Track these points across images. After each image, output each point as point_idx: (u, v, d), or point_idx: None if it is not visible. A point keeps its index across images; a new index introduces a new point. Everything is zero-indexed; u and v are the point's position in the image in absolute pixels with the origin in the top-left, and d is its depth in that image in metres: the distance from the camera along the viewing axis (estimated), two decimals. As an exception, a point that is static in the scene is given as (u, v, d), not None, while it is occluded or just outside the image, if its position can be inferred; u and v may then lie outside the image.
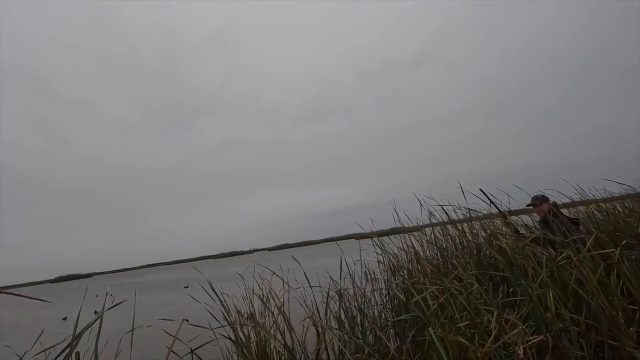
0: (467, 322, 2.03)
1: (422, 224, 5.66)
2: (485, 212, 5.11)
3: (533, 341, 1.88)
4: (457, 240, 4.84)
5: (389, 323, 3.73)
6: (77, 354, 1.64)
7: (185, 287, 20.00)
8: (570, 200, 6.31)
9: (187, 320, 2.01)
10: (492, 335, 1.82)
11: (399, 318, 3.38)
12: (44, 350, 1.79)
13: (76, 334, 1.62)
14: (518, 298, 2.56)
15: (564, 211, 5.42)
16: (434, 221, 5.53)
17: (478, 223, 5.24)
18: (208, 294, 3.41)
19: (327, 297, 3.51)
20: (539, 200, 4.25)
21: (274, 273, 3.87)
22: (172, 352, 1.73)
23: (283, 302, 3.57)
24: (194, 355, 2.46)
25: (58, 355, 1.65)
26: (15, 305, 24.56)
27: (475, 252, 4.51)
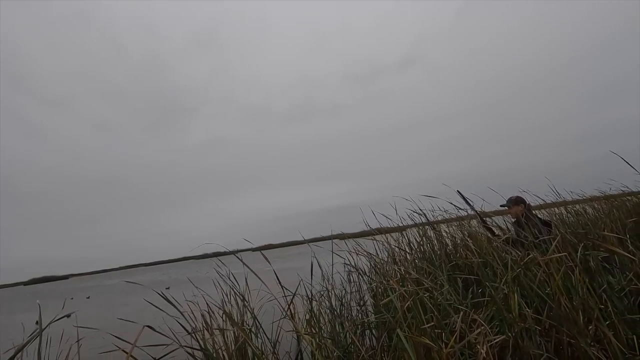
0: (433, 323, 2.08)
1: (404, 224, 5.75)
2: (465, 214, 5.23)
3: (495, 341, 1.95)
4: (434, 241, 4.93)
5: (366, 324, 3.77)
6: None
7: (167, 289, 19.62)
8: (543, 202, 6.56)
9: (151, 327, 1.97)
10: (455, 335, 1.87)
11: (371, 319, 3.42)
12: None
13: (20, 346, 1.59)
14: (485, 299, 2.63)
15: (538, 213, 5.61)
16: (414, 222, 5.63)
17: (456, 224, 5.35)
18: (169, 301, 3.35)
19: (311, 299, 3.50)
20: (513, 202, 4.38)
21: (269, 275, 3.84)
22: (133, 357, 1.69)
23: (261, 306, 3.56)
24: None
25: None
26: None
27: (450, 253, 4.61)
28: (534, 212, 4.40)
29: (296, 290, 3.12)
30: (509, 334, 2.17)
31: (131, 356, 1.65)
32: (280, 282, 3.38)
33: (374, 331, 3.76)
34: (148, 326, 1.98)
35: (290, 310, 2.92)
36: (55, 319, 1.94)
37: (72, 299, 20.94)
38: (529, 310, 2.31)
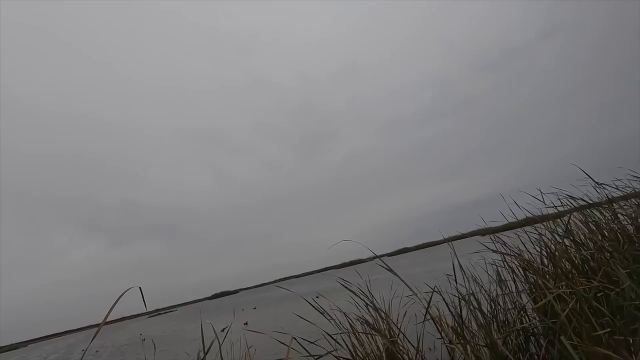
0: (609, 329, 1.68)
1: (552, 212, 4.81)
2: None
3: None
4: (604, 227, 3.98)
5: (527, 330, 3.30)
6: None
7: (317, 297, 21.33)
8: None
9: (295, 339, 2.21)
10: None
11: (535, 325, 2.97)
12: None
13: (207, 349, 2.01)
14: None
15: None
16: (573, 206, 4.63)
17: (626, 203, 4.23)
18: (315, 308, 3.63)
19: (460, 303, 3.31)
20: None
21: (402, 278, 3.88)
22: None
23: (405, 311, 3.54)
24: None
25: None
26: (192, 321, 30.24)
27: (631, 240, 3.62)
28: None
29: (433, 291, 3.00)
30: None
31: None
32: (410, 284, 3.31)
33: (540, 339, 3.27)
34: (295, 337, 2.23)
35: (430, 314, 2.82)
36: (227, 327, 2.38)
37: (242, 309, 24.80)
38: None
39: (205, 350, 2.02)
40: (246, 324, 15.02)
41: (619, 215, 4.06)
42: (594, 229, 3.97)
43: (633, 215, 3.99)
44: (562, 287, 2.10)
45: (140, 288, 2.03)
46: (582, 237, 4.01)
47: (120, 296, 1.77)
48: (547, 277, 3.00)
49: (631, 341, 1.70)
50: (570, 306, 1.81)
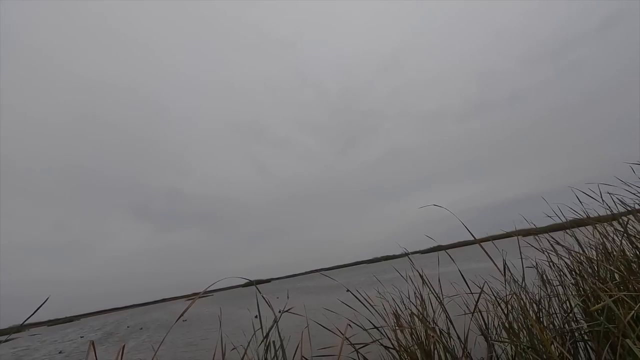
0: None
1: (608, 213, 4.50)
2: None
3: None
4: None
5: (576, 334, 3.17)
6: (272, 342, 2.13)
7: (347, 291, 21.54)
8: None
9: (350, 324, 2.28)
10: None
11: (584, 328, 2.85)
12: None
13: (267, 331, 2.13)
14: None
15: None
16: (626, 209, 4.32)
17: None
18: (366, 299, 3.68)
19: (506, 302, 3.24)
20: None
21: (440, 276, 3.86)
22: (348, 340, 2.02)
23: (441, 307, 3.52)
24: (358, 353, 2.73)
25: (260, 343, 2.19)
26: (225, 305, 31.66)
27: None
28: None
29: (482, 289, 2.95)
30: None
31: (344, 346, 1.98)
32: (465, 281, 3.26)
33: (589, 343, 3.13)
34: (349, 324, 2.30)
35: (479, 313, 2.78)
36: (283, 311, 2.50)
37: (277, 298, 25.53)
38: None
39: (267, 331, 2.15)
40: (280, 311, 15.42)
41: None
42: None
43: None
44: (624, 290, 2.00)
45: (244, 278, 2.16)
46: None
47: (215, 282, 1.91)
48: (602, 280, 2.85)
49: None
50: (632, 312, 1.73)
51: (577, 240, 4.28)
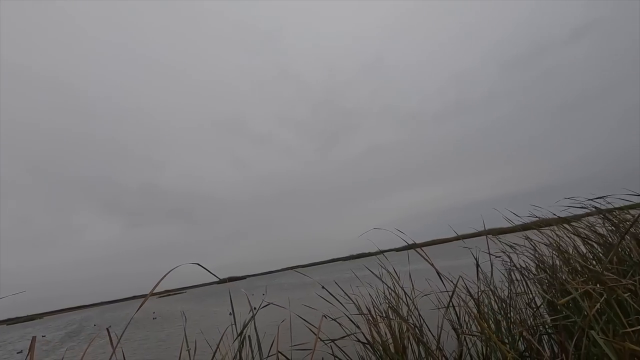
0: (638, 327, 1.69)
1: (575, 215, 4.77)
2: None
3: None
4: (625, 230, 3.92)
5: (541, 328, 3.32)
6: (248, 337, 2.08)
7: (322, 288, 21.66)
8: None
9: (326, 317, 2.28)
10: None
11: (548, 322, 2.98)
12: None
13: (242, 327, 2.08)
14: None
15: None
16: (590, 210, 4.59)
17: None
18: (345, 292, 3.70)
19: (479, 298, 3.33)
20: None
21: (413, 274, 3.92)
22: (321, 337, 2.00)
23: (414, 303, 3.58)
24: (333, 345, 2.73)
25: (235, 339, 2.14)
26: (198, 302, 31.05)
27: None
28: None
29: (456, 285, 3.02)
30: None
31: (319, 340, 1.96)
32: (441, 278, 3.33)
33: (553, 336, 3.29)
34: (324, 316, 2.29)
35: (452, 308, 2.85)
36: (260, 307, 2.45)
37: (252, 294, 25.31)
38: None
39: (243, 325, 2.09)
40: (256, 308, 15.31)
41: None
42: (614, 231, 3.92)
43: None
44: (590, 284, 2.11)
45: (199, 265, 2.07)
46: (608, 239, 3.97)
47: (169, 272, 1.81)
48: (570, 275, 3.00)
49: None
50: (597, 305, 1.81)
51: (545, 240, 4.47)
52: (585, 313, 1.82)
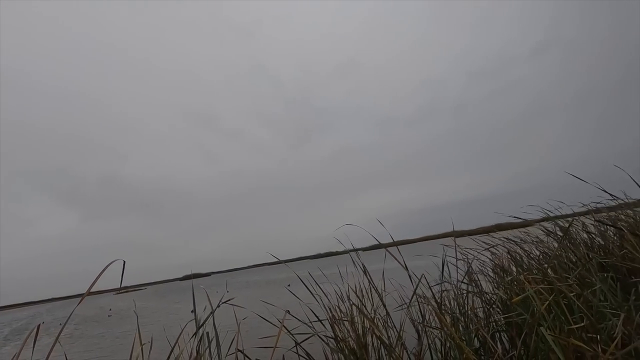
0: (584, 324, 1.81)
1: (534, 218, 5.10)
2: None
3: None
4: (576, 236, 4.24)
5: (495, 325, 3.49)
6: (207, 334, 2.02)
7: (287, 285, 21.57)
8: None
9: (289, 311, 2.25)
10: (616, 341, 1.60)
11: (501, 320, 3.14)
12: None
13: (200, 324, 2.02)
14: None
15: None
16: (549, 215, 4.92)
17: (607, 215, 4.53)
18: (310, 291, 3.69)
19: (438, 297, 3.44)
20: None
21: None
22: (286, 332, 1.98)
23: (378, 301, 3.64)
24: (298, 347, 2.72)
25: (192, 337, 2.07)
26: (158, 299, 29.93)
27: (601, 249, 3.89)
28: None
29: (417, 284, 3.10)
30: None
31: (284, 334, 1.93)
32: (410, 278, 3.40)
33: (505, 334, 3.47)
34: (287, 311, 2.26)
35: (414, 306, 2.91)
36: (221, 303, 2.39)
37: (217, 292, 24.74)
38: None
39: (200, 323, 2.02)
40: (218, 305, 15.01)
41: (590, 226, 4.33)
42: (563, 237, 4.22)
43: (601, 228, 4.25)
44: (541, 284, 2.23)
45: (124, 262, 1.97)
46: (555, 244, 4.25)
47: (105, 268, 1.71)
48: (522, 277, 3.17)
49: (598, 337, 1.84)
50: (546, 303, 1.93)
51: (501, 242, 4.72)
52: (536, 311, 1.94)
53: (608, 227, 3.83)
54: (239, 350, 1.89)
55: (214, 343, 2.02)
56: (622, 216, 4.11)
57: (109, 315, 21.09)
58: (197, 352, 1.90)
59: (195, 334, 2.00)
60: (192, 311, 17.05)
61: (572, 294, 2.16)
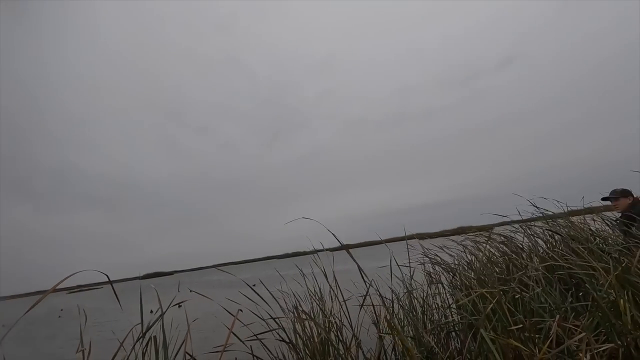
0: (521, 325, 1.94)
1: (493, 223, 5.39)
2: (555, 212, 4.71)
3: (601, 348, 1.74)
4: (524, 241, 4.52)
5: (448, 326, 3.64)
6: (154, 338, 1.95)
7: (253, 285, 21.26)
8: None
9: (241, 311, 2.22)
10: (551, 340, 1.73)
11: (454, 321, 3.28)
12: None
13: (149, 325, 1.94)
14: (588, 303, 2.35)
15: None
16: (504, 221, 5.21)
17: (548, 222, 4.85)
18: (270, 293, 3.66)
19: (392, 298, 3.53)
20: (618, 194, 3.80)
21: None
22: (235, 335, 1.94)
23: (342, 302, 3.68)
24: (253, 344, 2.68)
25: (137, 340, 1.99)
26: (120, 299, 28.42)
27: (544, 253, 4.17)
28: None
29: (370, 284, 3.16)
30: (620, 343, 1.91)
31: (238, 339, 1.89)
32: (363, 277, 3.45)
33: (459, 334, 3.62)
34: (240, 310, 2.22)
35: (372, 307, 2.97)
36: (171, 305, 2.31)
37: (179, 291, 23.95)
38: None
39: (148, 326, 1.93)
40: (180, 305, 14.51)
41: (536, 231, 4.63)
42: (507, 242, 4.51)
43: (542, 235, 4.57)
44: (487, 288, 2.35)
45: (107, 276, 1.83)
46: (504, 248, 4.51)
47: (69, 276, 1.59)
48: (472, 280, 3.33)
49: (536, 338, 1.96)
50: (490, 306, 2.04)
51: (461, 246, 4.92)
52: (481, 312, 2.05)
53: (552, 233, 4.11)
54: (187, 354, 1.84)
55: (161, 346, 1.95)
56: (562, 223, 4.42)
57: (59, 316, 19.83)
58: (143, 356, 1.83)
59: (141, 337, 1.91)
60: (151, 311, 16.41)
61: (515, 296, 2.30)
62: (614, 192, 3.88)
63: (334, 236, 3.31)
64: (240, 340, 2.60)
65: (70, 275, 1.58)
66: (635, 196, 3.75)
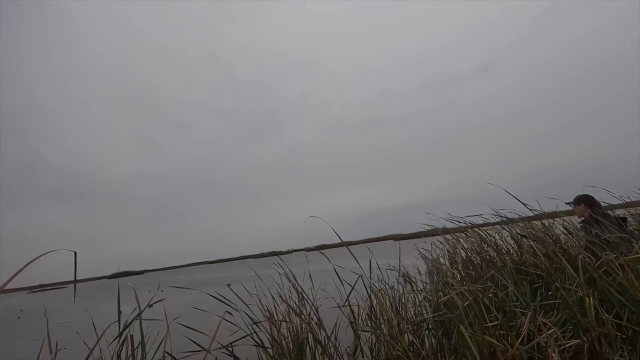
0: (496, 322, 2.03)
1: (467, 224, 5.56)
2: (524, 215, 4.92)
3: (568, 344, 1.84)
4: (497, 242, 4.70)
5: (424, 324, 3.73)
6: (130, 337, 1.88)
7: (227, 285, 20.93)
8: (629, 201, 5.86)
9: (221, 317, 2.18)
10: (522, 337, 1.81)
11: (429, 318, 3.37)
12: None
13: (126, 324, 1.88)
14: (556, 301, 2.48)
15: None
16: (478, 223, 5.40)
17: (521, 225, 5.07)
18: (248, 291, 3.62)
19: (369, 296, 3.57)
20: (577, 201, 4.05)
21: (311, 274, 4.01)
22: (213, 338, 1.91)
23: (320, 305, 3.70)
24: (230, 348, 2.65)
25: (114, 340, 1.92)
26: (87, 298, 27.26)
27: (515, 254, 4.35)
28: (610, 212, 4.02)
29: (355, 284, 3.19)
30: (585, 339, 2.04)
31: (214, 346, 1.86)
32: (340, 278, 3.48)
33: (432, 331, 3.71)
34: (220, 316, 2.19)
35: (350, 306, 3.00)
36: (149, 304, 2.23)
37: (149, 291, 23.20)
38: (607, 315, 2.14)
39: (125, 326, 1.86)
40: (151, 306, 14.04)
41: (508, 233, 4.83)
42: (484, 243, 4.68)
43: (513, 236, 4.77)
44: (464, 286, 2.43)
45: (75, 253, 1.72)
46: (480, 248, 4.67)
47: (25, 266, 1.47)
48: (449, 279, 3.42)
49: (509, 335, 2.05)
50: (467, 302, 2.11)
51: (438, 246, 5.07)
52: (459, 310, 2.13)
53: (521, 236, 4.30)
54: (167, 353, 1.79)
55: (138, 347, 1.89)
56: (536, 225, 4.63)
57: (18, 317, 18.73)
58: (119, 356, 1.76)
59: (118, 337, 1.84)
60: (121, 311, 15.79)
61: (490, 295, 2.39)
62: (576, 198, 4.13)
63: (337, 234, 3.34)
64: (223, 346, 2.56)
65: (38, 256, 1.46)
66: (594, 202, 3.98)
